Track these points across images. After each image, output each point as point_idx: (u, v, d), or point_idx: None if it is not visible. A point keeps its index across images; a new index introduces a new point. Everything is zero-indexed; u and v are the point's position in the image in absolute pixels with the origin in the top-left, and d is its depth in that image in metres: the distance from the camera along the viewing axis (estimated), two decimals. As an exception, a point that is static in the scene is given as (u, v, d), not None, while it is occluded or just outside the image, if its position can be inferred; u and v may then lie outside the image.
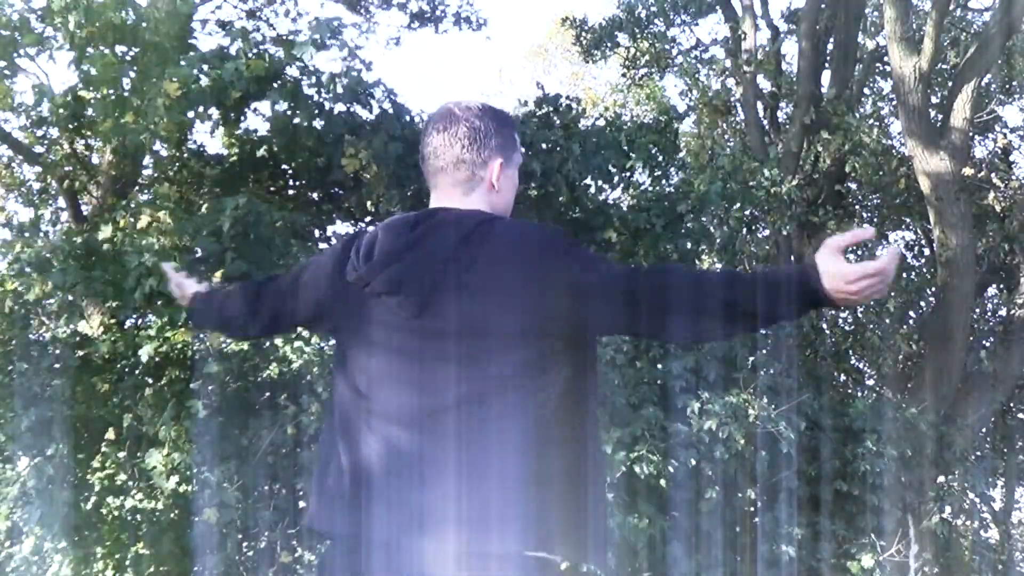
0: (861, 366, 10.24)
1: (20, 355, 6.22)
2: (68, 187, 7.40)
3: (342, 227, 7.42)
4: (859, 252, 10.01)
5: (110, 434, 6.27)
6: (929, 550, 6.94)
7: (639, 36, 11.26)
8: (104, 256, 5.86)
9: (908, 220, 10.47)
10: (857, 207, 10.52)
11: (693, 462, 5.81)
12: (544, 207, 6.58)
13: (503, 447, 1.77)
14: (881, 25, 9.40)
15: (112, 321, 6.64)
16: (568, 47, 14.49)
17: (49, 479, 5.91)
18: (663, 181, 7.16)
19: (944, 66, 10.38)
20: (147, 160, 7.43)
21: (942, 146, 8.08)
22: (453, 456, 1.79)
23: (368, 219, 7.07)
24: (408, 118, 6.57)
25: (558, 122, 6.78)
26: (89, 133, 6.86)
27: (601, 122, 7.51)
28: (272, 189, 7.13)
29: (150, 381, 6.23)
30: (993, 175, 9.84)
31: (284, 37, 6.68)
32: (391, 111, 6.50)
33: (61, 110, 6.17)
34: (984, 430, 9.19)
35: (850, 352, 9.90)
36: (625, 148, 6.78)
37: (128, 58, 6.06)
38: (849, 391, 9.56)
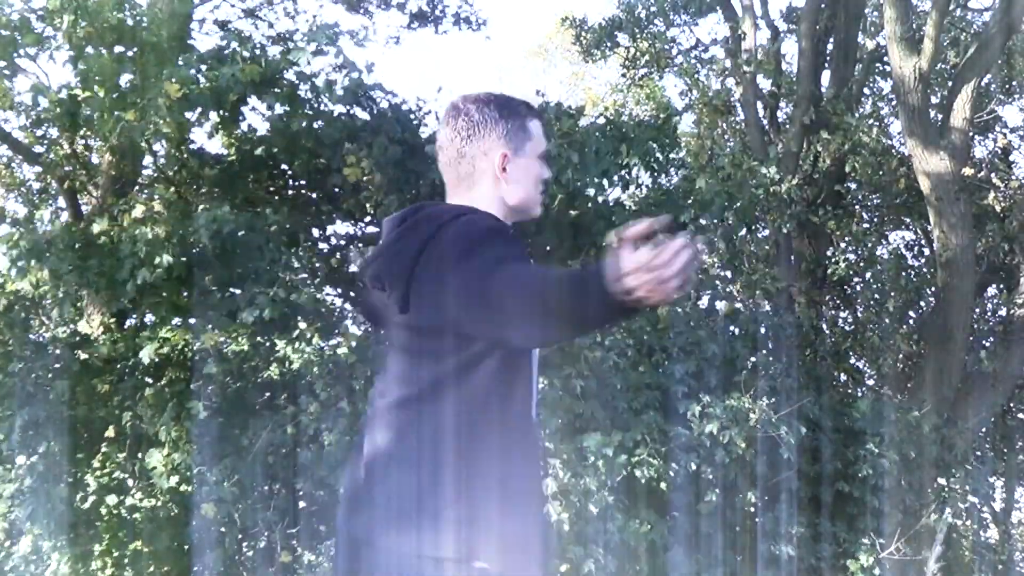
0: (861, 366, 10.24)
1: (20, 355, 6.22)
2: (68, 187, 7.40)
3: (342, 228, 7.43)
4: (858, 250, 10.02)
5: (110, 433, 6.27)
6: (929, 551, 6.93)
7: (639, 36, 11.26)
8: (99, 248, 5.88)
9: (908, 220, 10.46)
10: (857, 207, 10.51)
11: (694, 466, 5.80)
12: (543, 211, 6.57)
13: (422, 446, 1.80)
14: (881, 25, 9.40)
15: (112, 321, 6.65)
16: (568, 47, 14.49)
17: (47, 478, 5.91)
18: (663, 178, 7.15)
19: (944, 66, 10.37)
20: (146, 160, 7.43)
21: (942, 146, 8.08)
22: (389, 452, 1.85)
23: (367, 220, 7.06)
24: (408, 120, 6.57)
25: (557, 129, 6.77)
26: (89, 133, 6.85)
27: (601, 120, 7.50)
28: (271, 189, 7.13)
29: (150, 381, 6.23)
30: (993, 175, 9.83)
31: (282, 36, 6.68)
32: (390, 114, 6.50)
33: (58, 108, 6.17)
34: (984, 430, 9.19)
35: (850, 352, 9.89)
36: (623, 146, 6.77)
37: (127, 58, 6.05)
38: (849, 391, 9.56)
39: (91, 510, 6.02)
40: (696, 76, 11.75)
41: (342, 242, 7.40)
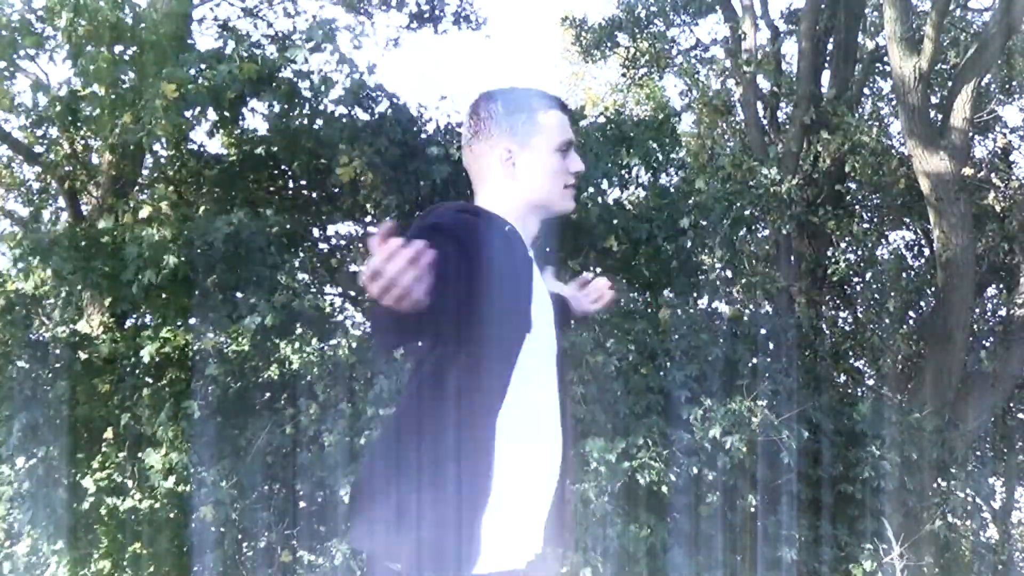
0: (861, 366, 10.23)
1: (20, 355, 6.22)
2: (68, 187, 7.41)
3: (342, 228, 7.43)
4: (858, 250, 10.02)
5: (108, 434, 6.26)
6: (930, 553, 6.92)
7: (639, 36, 11.25)
8: (103, 248, 5.87)
9: (908, 220, 10.45)
10: (857, 207, 10.50)
11: (695, 470, 5.77)
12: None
13: (371, 447, 1.90)
14: (881, 25, 9.39)
15: (112, 321, 6.64)
16: (568, 47, 14.47)
17: (45, 480, 5.91)
18: (663, 177, 7.15)
19: (944, 66, 10.36)
20: (146, 160, 7.43)
21: (942, 146, 8.07)
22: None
23: (367, 220, 7.06)
24: (408, 121, 6.56)
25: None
26: (89, 133, 6.85)
27: (601, 120, 7.50)
28: (271, 189, 7.13)
29: (150, 381, 6.23)
30: (993, 175, 9.83)
31: (279, 35, 6.67)
32: (391, 114, 6.49)
33: (58, 106, 6.17)
34: (984, 431, 9.18)
35: (850, 352, 9.88)
36: (624, 147, 6.77)
37: (126, 57, 6.05)
38: (849, 391, 9.55)
39: (90, 512, 6.01)
40: (696, 76, 11.74)
41: (342, 242, 7.40)
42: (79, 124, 6.44)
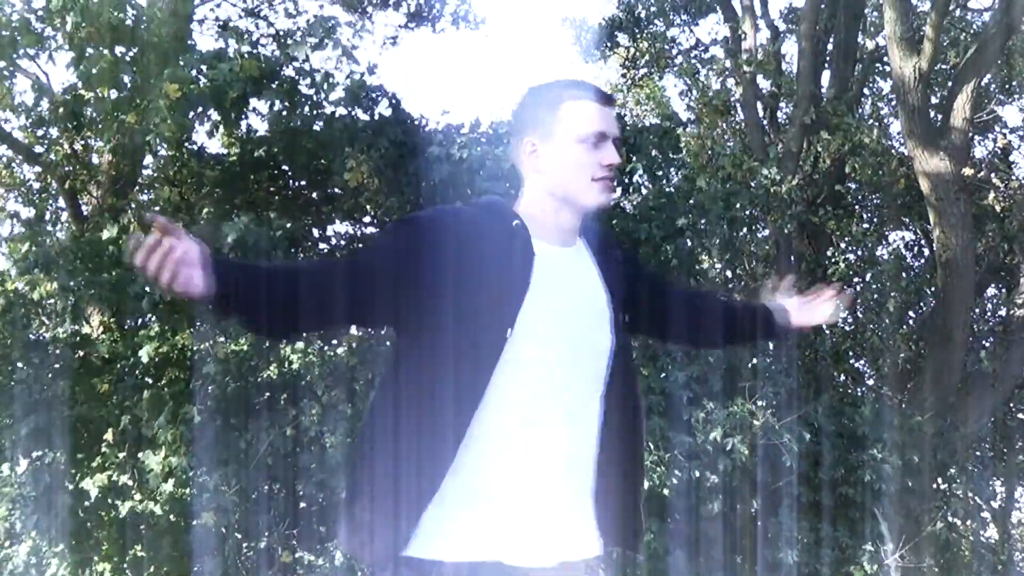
0: (861, 367, 10.23)
1: (20, 355, 6.21)
2: (68, 187, 7.39)
3: (342, 228, 7.42)
4: (858, 250, 10.02)
5: (108, 435, 6.26)
6: (931, 553, 6.93)
7: (639, 36, 11.23)
8: (110, 259, 5.86)
9: (908, 220, 10.45)
10: (857, 207, 10.50)
11: (696, 473, 5.76)
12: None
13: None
14: (881, 25, 9.39)
15: (111, 321, 6.63)
16: (568, 47, 14.46)
17: (46, 482, 5.90)
18: (663, 181, 7.13)
19: (944, 66, 10.37)
20: (147, 160, 7.42)
21: (942, 146, 8.07)
22: None
23: (367, 221, 7.05)
24: (408, 122, 6.55)
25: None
26: (89, 133, 6.85)
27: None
28: (272, 190, 7.12)
29: (149, 382, 6.22)
30: (993, 175, 9.83)
31: (280, 34, 6.67)
32: (391, 115, 6.48)
33: (60, 108, 6.17)
34: (984, 431, 9.19)
35: (850, 353, 9.88)
36: (625, 151, 6.76)
37: (128, 58, 6.05)
38: (849, 391, 9.55)
39: (91, 514, 6.01)
40: (696, 76, 11.73)
41: (342, 243, 7.39)
42: (82, 127, 6.43)
